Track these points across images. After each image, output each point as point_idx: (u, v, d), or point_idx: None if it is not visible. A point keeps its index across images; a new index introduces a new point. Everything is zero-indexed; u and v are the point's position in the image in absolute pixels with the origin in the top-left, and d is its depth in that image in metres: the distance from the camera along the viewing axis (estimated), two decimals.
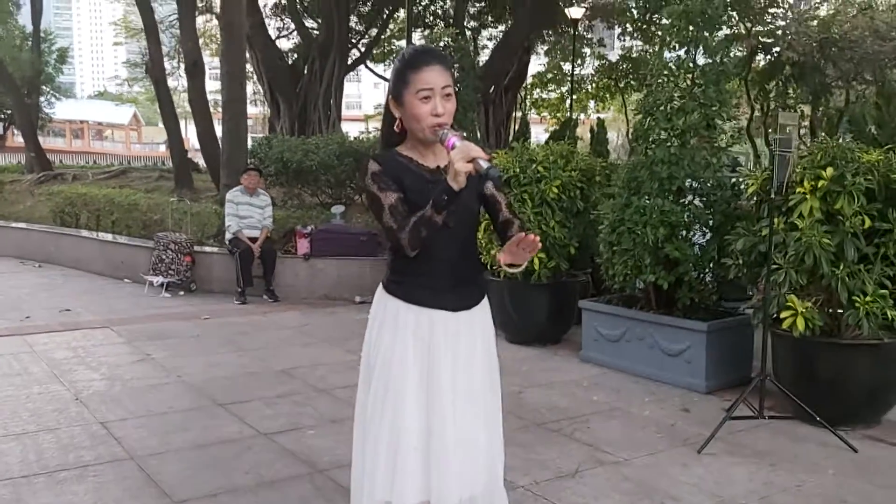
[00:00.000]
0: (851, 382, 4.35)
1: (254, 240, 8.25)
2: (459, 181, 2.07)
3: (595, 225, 5.80)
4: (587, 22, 21.72)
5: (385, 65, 25.01)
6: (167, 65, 17.63)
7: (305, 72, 18.32)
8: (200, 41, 16.20)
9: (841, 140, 4.78)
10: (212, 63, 20.08)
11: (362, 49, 21.44)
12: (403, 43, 23.18)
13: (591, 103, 27.30)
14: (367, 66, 23.54)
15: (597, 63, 24.75)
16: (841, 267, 4.22)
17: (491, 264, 6.31)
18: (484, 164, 2.05)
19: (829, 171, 4.27)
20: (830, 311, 4.37)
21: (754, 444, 4.13)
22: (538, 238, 2.14)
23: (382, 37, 22.16)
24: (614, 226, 5.34)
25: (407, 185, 2.25)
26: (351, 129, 20.92)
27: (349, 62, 20.22)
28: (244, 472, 3.67)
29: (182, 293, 8.45)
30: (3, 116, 23.95)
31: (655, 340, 5.32)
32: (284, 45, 21.52)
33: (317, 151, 10.32)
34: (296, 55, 20.43)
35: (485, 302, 2.43)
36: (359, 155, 10.45)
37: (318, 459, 3.85)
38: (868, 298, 4.17)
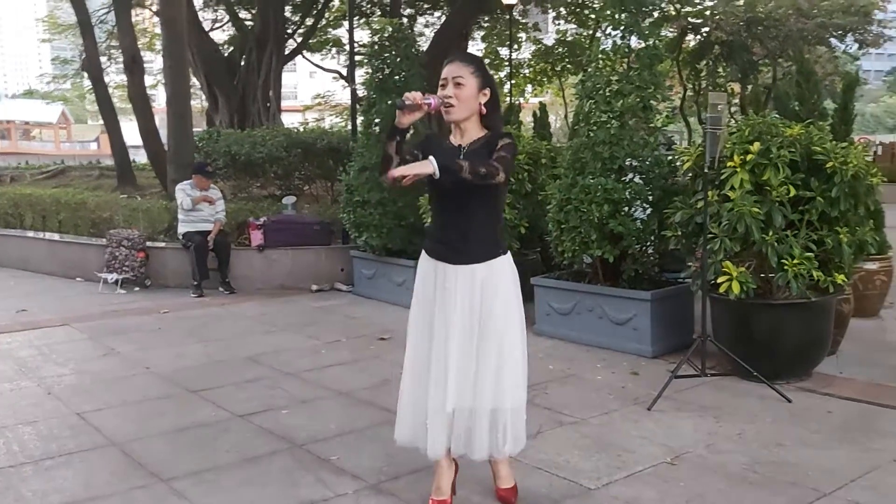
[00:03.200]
0: (784, 339, 4.73)
1: (206, 233, 8.34)
2: (397, 117, 2.82)
3: (543, 205, 6.09)
4: (522, 7, 22.06)
5: (322, 54, 24.96)
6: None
7: (242, 63, 18.22)
8: None
9: (766, 116, 5.14)
10: (145, 58, 19.78)
11: (298, 39, 21.37)
12: (341, 32, 23.22)
13: (529, 87, 27.72)
14: (303, 56, 23.45)
15: (533, 47, 25.15)
16: (770, 233, 4.59)
17: None
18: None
19: (756, 145, 4.64)
20: (762, 274, 4.74)
21: (699, 400, 4.48)
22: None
23: (318, 26, 22.10)
24: (562, 205, 5.64)
25: (433, 155, 2.80)
26: (288, 120, 20.89)
27: (286, 52, 20.15)
28: (225, 451, 3.85)
29: (137, 289, 8.50)
30: None
31: (604, 311, 5.65)
32: (219, 36, 21.35)
33: (264, 144, 10.40)
34: (231, 47, 20.27)
35: (494, 263, 2.98)
36: (306, 146, 10.57)
37: (294, 436, 4.05)
38: (795, 261, 4.54)
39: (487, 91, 2.96)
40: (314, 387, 4.95)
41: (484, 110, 2.96)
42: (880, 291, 6.41)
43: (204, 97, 20.04)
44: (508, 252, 3.08)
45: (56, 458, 3.78)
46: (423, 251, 3.10)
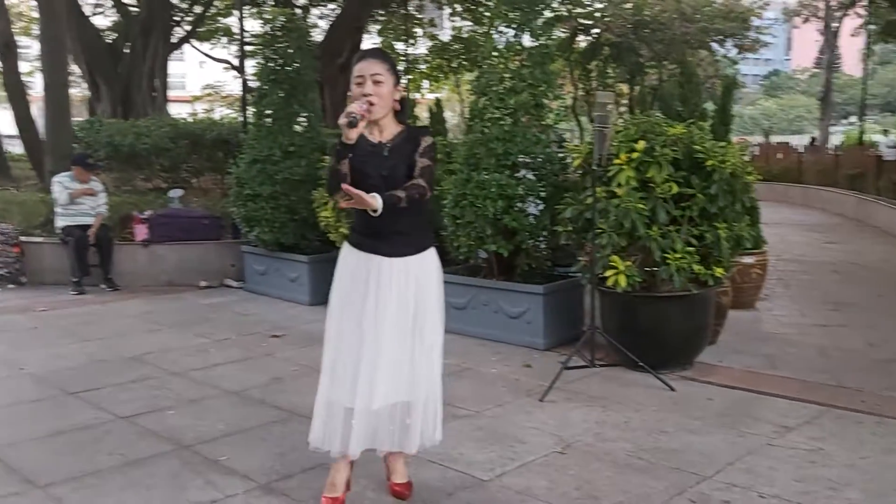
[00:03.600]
0: (667, 330, 4.92)
1: (87, 227, 7.95)
2: (345, 134, 2.76)
3: (438, 200, 6.10)
4: (418, 2, 22.08)
5: (212, 43, 24.22)
6: None
7: (127, 51, 17.46)
8: None
9: (651, 116, 5.33)
10: (20, 43, 18.67)
11: (187, 27, 20.67)
12: (231, 21, 22.58)
13: (426, 83, 27.79)
14: (192, 45, 22.71)
15: (429, 43, 25.21)
16: (654, 229, 4.76)
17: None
18: (346, 118, 2.73)
19: (642, 143, 4.80)
20: (647, 268, 4.91)
21: (588, 390, 4.61)
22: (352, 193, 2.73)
23: (208, 14, 21.43)
24: (457, 200, 5.67)
25: (354, 154, 2.85)
26: (176, 111, 20.17)
27: (174, 40, 19.44)
28: (107, 454, 3.68)
29: (11, 286, 8.03)
30: None
31: (498, 305, 5.73)
32: (101, 22, 20.38)
33: (149, 134, 10.00)
34: (115, 34, 19.38)
35: (424, 255, 3.03)
36: (194, 137, 10.23)
37: (181, 437, 3.91)
38: (678, 255, 4.74)
39: (400, 87, 3.01)
40: (202, 386, 4.80)
41: (398, 107, 3.00)
42: (756, 284, 6.77)
43: (85, 85, 19.08)
44: (434, 245, 3.12)
45: None
46: (349, 245, 3.05)
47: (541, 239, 5.75)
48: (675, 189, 4.79)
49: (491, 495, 3.26)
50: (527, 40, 5.80)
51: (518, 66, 5.73)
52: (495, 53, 5.79)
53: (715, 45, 26.48)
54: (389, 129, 3.00)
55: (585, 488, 3.30)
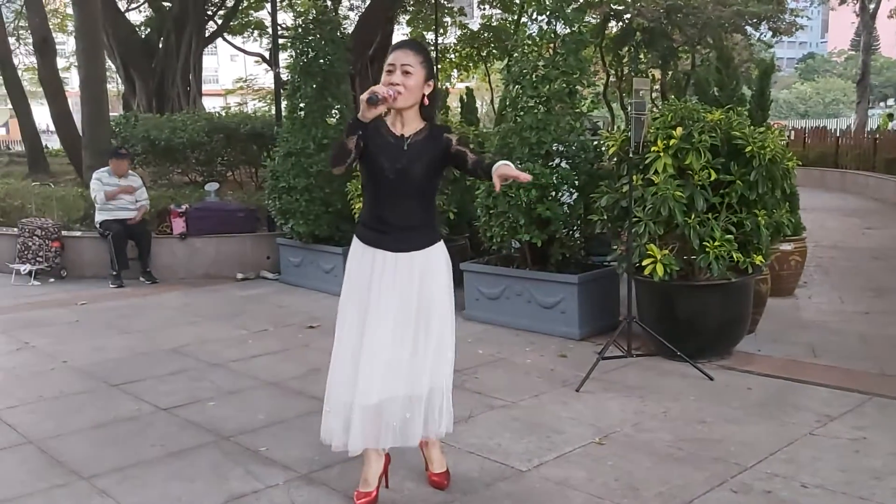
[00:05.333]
0: (706, 319, 4.86)
1: (125, 221, 8.05)
2: (362, 111, 2.75)
3: (471, 191, 6.10)
4: None
5: (244, 37, 24.40)
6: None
7: (160, 46, 17.66)
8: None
9: (688, 102, 5.25)
10: (57, 39, 18.96)
11: (219, 21, 20.84)
12: (262, 14, 22.73)
13: (455, 72, 27.73)
14: (224, 39, 22.90)
15: (459, 32, 25.14)
16: (692, 216, 4.70)
17: None
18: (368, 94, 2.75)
19: (679, 130, 4.74)
20: (685, 256, 4.85)
21: (625, 380, 4.57)
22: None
23: (240, 7, 21.60)
24: (490, 190, 5.65)
25: (371, 140, 2.89)
26: (210, 105, 20.36)
27: (206, 35, 19.62)
28: (150, 446, 3.74)
29: (52, 280, 8.17)
30: None
31: (532, 295, 5.70)
32: (135, 17, 20.64)
33: (185, 129, 10.11)
34: (148, 29, 19.62)
35: (431, 250, 3.01)
36: (229, 131, 10.33)
37: (222, 427, 3.96)
38: (716, 243, 4.67)
39: (431, 83, 2.97)
40: (241, 377, 4.85)
41: (427, 101, 2.97)
42: (795, 271, 6.67)
43: (120, 80, 19.35)
44: (441, 239, 3.10)
45: None
46: (357, 238, 3.02)
47: (575, 228, 5.71)
48: (714, 176, 4.73)
49: (530, 486, 3.25)
50: (559, 27, 5.75)
51: (552, 53, 5.69)
52: (528, 41, 5.75)
53: (749, 29, 26.03)
54: (413, 124, 2.96)
55: (625, 479, 3.28)
